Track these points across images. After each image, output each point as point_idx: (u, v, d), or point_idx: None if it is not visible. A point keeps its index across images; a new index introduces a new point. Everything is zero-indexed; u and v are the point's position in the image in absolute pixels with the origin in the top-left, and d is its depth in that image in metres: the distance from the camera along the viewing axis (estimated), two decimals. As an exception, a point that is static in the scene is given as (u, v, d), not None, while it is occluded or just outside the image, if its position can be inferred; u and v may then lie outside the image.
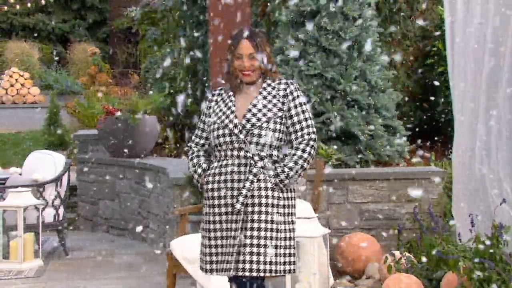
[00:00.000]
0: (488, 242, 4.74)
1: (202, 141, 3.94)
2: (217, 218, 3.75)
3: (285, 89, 3.82)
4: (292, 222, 3.77)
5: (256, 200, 3.68)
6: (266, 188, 3.69)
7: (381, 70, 7.07)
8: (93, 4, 22.35)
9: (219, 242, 3.74)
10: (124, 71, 18.82)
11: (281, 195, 3.73)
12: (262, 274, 3.62)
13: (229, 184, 3.73)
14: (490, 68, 5.15)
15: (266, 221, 3.66)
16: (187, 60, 9.17)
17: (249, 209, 3.67)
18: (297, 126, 3.76)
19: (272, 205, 3.69)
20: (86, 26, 22.38)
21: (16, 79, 16.36)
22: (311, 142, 3.74)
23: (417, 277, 5.08)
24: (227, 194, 3.73)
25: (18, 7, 21.35)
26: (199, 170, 3.87)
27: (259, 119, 3.73)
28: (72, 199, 8.78)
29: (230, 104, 3.83)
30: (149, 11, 13.84)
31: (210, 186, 3.79)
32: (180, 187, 6.61)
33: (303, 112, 3.79)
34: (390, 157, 6.85)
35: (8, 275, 6.42)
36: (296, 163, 3.70)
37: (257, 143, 3.72)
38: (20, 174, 7.54)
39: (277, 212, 3.70)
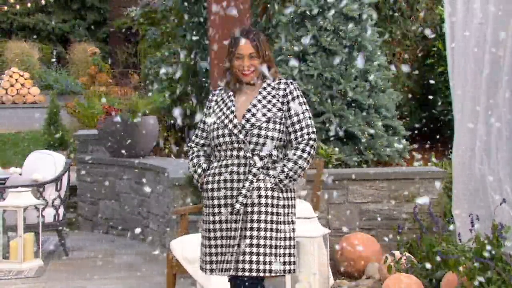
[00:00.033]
0: (488, 243, 4.74)
1: (202, 141, 3.94)
2: (216, 218, 3.75)
3: (285, 89, 3.82)
4: (292, 222, 3.77)
5: (256, 200, 3.67)
6: (265, 188, 3.69)
7: (381, 70, 7.08)
8: (93, 4, 22.36)
9: (218, 242, 3.74)
10: (124, 71, 18.82)
11: (280, 195, 3.73)
12: (262, 274, 3.62)
13: (228, 184, 3.73)
14: (490, 68, 5.15)
15: (265, 221, 3.66)
16: (187, 60, 9.17)
17: (249, 209, 3.67)
18: (297, 126, 3.76)
19: (272, 205, 3.69)
20: (86, 26, 22.38)
21: (16, 79, 16.36)
22: (311, 142, 3.74)
23: (417, 277, 5.08)
24: (226, 194, 3.73)
25: (18, 7, 21.37)
26: (199, 170, 3.87)
27: (258, 119, 3.73)
28: (72, 199, 8.78)
29: (230, 104, 3.83)
30: (149, 11, 13.85)
31: (210, 186, 3.79)
32: (180, 187, 6.61)
33: (302, 112, 3.78)
34: (390, 157, 6.86)
35: (8, 275, 6.42)
36: (295, 163, 3.70)
37: (256, 143, 3.72)
38: (20, 174, 7.54)
39: (277, 212, 3.70)
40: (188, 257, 4.87)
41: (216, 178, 3.77)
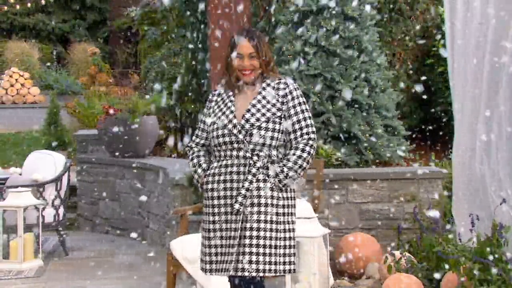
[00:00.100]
0: (487, 243, 4.74)
1: (202, 141, 3.94)
2: (216, 218, 3.75)
3: (285, 89, 3.82)
4: (292, 222, 3.76)
5: (256, 200, 3.67)
6: (265, 188, 3.69)
7: (381, 70, 7.08)
8: (93, 4, 22.35)
9: (218, 242, 3.74)
10: (124, 71, 18.83)
11: (280, 195, 3.73)
12: (261, 274, 3.62)
13: (228, 184, 3.74)
14: (490, 68, 5.15)
15: (265, 221, 3.65)
16: (187, 60, 9.17)
17: (249, 209, 3.67)
18: (296, 126, 3.76)
19: (272, 205, 3.69)
20: (86, 26, 22.39)
21: (16, 79, 16.36)
22: (311, 142, 3.74)
23: (417, 277, 5.08)
24: (226, 194, 3.73)
25: (18, 7, 21.37)
26: (199, 170, 3.87)
27: (258, 119, 3.73)
28: (72, 199, 8.78)
29: (229, 104, 3.83)
30: (149, 11, 13.84)
31: (209, 186, 3.79)
32: (180, 187, 6.61)
33: (302, 112, 3.78)
34: (390, 157, 6.86)
35: (8, 275, 6.42)
36: (295, 163, 3.70)
37: (256, 143, 3.72)
38: (20, 174, 7.54)
39: (277, 213, 3.70)
40: (188, 257, 4.87)
41: (216, 178, 3.78)
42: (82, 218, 8.94)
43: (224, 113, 3.81)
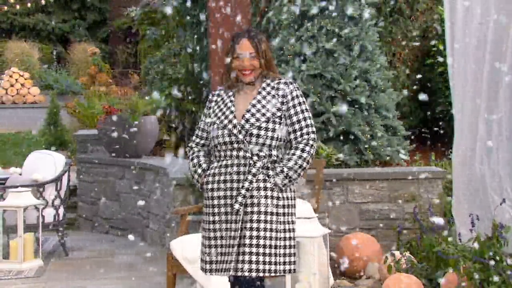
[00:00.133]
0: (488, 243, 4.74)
1: (202, 141, 3.94)
2: (216, 218, 3.75)
3: (285, 89, 3.82)
4: (292, 222, 3.76)
5: (256, 200, 3.67)
6: (265, 188, 3.69)
7: (381, 70, 7.08)
8: (93, 4, 22.36)
9: (218, 242, 3.74)
10: (124, 71, 18.83)
11: (280, 195, 3.73)
12: (261, 274, 3.62)
13: (228, 184, 3.73)
14: (490, 68, 5.15)
15: (265, 221, 3.65)
16: (187, 60, 9.17)
17: (249, 209, 3.67)
18: (297, 126, 3.76)
19: (272, 205, 3.69)
20: (86, 26, 22.40)
21: (16, 79, 16.37)
22: (311, 142, 3.74)
23: (417, 277, 5.08)
24: (226, 194, 3.73)
25: (18, 7, 21.38)
26: (199, 170, 3.87)
27: (258, 119, 3.73)
28: (72, 199, 8.78)
29: (229, 104, 3.83)
30: (149, 11, 13.84)
31: (209, 186, 3.79)
32: (180, 187, 6.61)
33: (302, 111, 3.78)
34: (390, 157, 6.86)
35: (8, 275, 6.42)
36: (295, 163, 3.70)
37: (256, 143, 3.72)
38: (20, 174, 7.54)
39: (277, 213, 3.70)
40: (188, 257, 4.87)
41: (216, 178, 3.77)
42: (82, 218, 8.93)
43: (224, 113, 3.81)
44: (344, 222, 6.19)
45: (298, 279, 4.35)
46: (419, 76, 8.94)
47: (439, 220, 5.01)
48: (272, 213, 3.67)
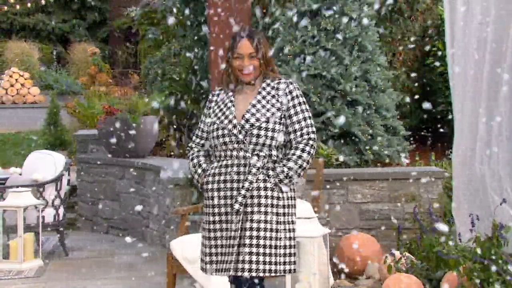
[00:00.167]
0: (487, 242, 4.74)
1: (202, 142, 3.94)
2: (216, 218, 3.75)
3: (285, 89, 3.82)
4: (292, 222, 3.76)
5: (256, 200, 3.67)
6: (265, 188, 3.69)
7: (381, 70, 7.08)
8: (93, 4, 22.36)
9: (219, 242, 3.74)
10: (124, 71, 18.83)
11: (280, 195, 3.73)
12: (261, 274, 3.62)
13: (228, 184, 3.73)
14: (490, 68, 5.15)
15: (265, 221, 3.65)
16: (187, 60, 9.17)
17: (249, 209, 3.67)
18: (297, 126, 3.76)
19: (272, 205, 3.69)
20: (86, 26, 22.40)
21: (16, 79, 16.37)
22: (311, 142, 3.74)
23: (417, 277, 5.08)
24: (226, 194, 3.73)
25: (18, 7, 21.38)
26: (199, 170, 3.87)
27: (258, 119, 3.73)
28: (72, 199, 8.78)
29: (229, 104, 3.83)
30: (149, 11, 13.84)
31: (209, 186, 3.79)
32: (180, 187, 6.61)
33: (302, 111, 3.78)
34: (390, 157, 6.86)
35: (8, 275, 6.42)
36: (295, 162, 3.70)
37: (256, 143, 3.72)
38: (20, 174, 7.54)
39: (277, 213, 3.70)
40: (188, 257, 4.87)
41: (216, 178, 3.77)
42: (82, 218, 8.93)
43: (224, 113, 3.81)
44: (344, 222, 6.19)
45: (298, 279, 4.35)
46: (419, 76, 8.94)
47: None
48: (272, 213, 3.68)
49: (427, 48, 9.08)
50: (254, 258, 3.60)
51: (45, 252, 7.21)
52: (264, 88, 3.83)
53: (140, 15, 14.28)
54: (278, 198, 3.71)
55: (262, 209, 3.66)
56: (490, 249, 4.73)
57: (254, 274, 3.60)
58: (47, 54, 20.17)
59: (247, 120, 3.73)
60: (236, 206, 3.66)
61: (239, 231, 3.65)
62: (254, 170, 3.69)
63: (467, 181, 5.30)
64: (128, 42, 19.98)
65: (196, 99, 8.81)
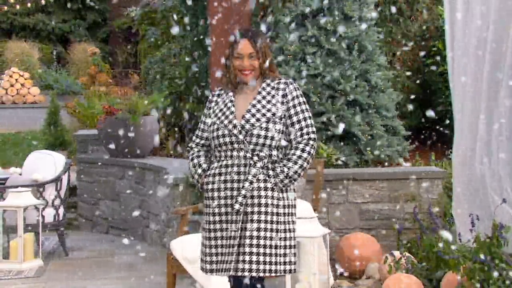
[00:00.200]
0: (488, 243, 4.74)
1: (202, 142, 3.94)
2: (217, 218, 3.75)
3: (285, 89, 3.82)
4: (292, 222, 3.76)
5: (256, 201, 3.67)
6: (266, 188, 3.69)
7: (381, 70, 7.08)
8: (93, 4, 22.36)
9: (219, 242, 3.74)
10: (124, 71, 18.83)
11: (281, 195, 3.73)
12: (262, 274, 3.62)
13: (228, 185, 3.73)
14: (490, 68, 5.15)
15: (266, 222, 3.65)
16: (187, 60, 9.17)
17: (249, 209, 3.67)
18: (297, 126, 3.76)
19: (272, 205, 3.69)
20: (86, 26, 22.39)
21: (16, 79, 16.37)
22: (311, 142, 3.74)
23: (417, 277, 5.08)
24: (226, 194, 3.73)
25: (18, 7, 21.38)
26: (199, 170, 3.87)
27: (258, 120, 3.73)
28: (72, 199, 8.78)
29: (229, 104, 3.83)
30: (149, 11, 13.85)
31: (210, 186, 3.79)
32: (180, 187, 6.61)
33: (302, 111, 3.78)
34: (390, 157, 6.86)
35: (8, 275, 6.42)
36: (295, 163, 3.70)
37: (256, 143, 3.72)
38: (20, 174, 7.54)
39: (277, 213, 3.70)
40: (188, 257, 4.87)
41: (217, 178, 3.77)
42: (82, 218, 8.93)
43: (224, 113, 3.81)
44: (344, 222, 6.19)
45: (298, 279, 4.35)
46: (419, 76, 8.94)
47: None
48: (272, 213, 3.68)
49: (427, 48, 9.08)
50: (254, 258, 3.60)
51: (45, 252, 7.21)
52: (264, 88, 3.83)
53: (140, 15, 14.29)
54: (278, 198, 3.71)
55: (263, 209, 3.67)
56: (490, 249, 4.73)
57: (254, 274, 3.60)
58: (47, 54, 20.17)
59: (247, 120, 3.73)
60: (237, 206, 3.67)
61: (239, 231, 3.65)
62: (254, 170, 3.69)
63: (467, 181, 5.30)
64: (128, 42, 19.98)
65: (196, 99, 8.81)
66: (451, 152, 5.70)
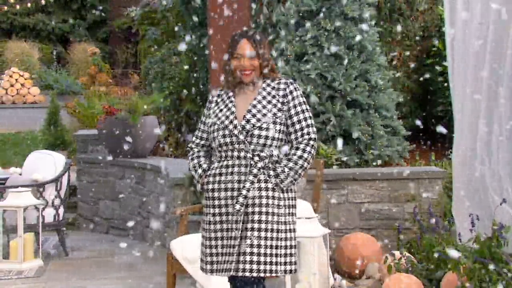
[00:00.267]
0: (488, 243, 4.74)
1: (202, 142, 3.94)
2: (217, 218, 3.75)
3: (285, 89, 3.82)
4: (293, 222, 3.76)
5: (257, 201, 3.67)
6: (266, 189, 3.69)
7: (381, 70, 7.08)
8: (93, 4, 22.36)
9: (219, 242, 3.74)
10: (124, 71, 18.83)
11: (281, 195, 3.73)
12: (262, 274, 3.62)
13: (229, 185, 3.73)
14: (490, 68, 5.15)
15: (266, 222, 3.65)
16: (187, 61, 9.17)
17: (250, 209, 3.67)
18: (297, 126, 3.76)
19: (273, 206, 3.69)
20: (86, 26, 22.40)
21: (16, 79, 16.38)
22: (311, 142, 3.74)
23: (417, 277, 5.08)
24: (227, 194, 3.73)
25: (18, 7, 21.39)
26: (199, 171, 3.87)
27: (258, 120, 3.73)
28: (72, 199, 8.78)
29: (230, 105, 3.83)
30: (149, 11, 13.85)
31: (210, 186, 3.79)
32: (180, 187, 6.61)
33: (302, 111, 3.78)
34: (390, 157, 6.86)
35: (8, 275, 6.42)
36: (296, 163, 3.70)
37: (257, 144, 3.72)
38: (20, 174, 7.54)
39: (278, 213, 3.70)
40: (188, 257, 4.87)
41: (217, 178, 3.77)
42: (82, 218, 8.94)
43: (224, 114, 3.81)
44: (344, 222, 6.19)
45: (298, 279, 4.35)
46: (419, 76, 8.94)
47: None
48: (273, 214, 3.68)
49: (427, 48, 9.08)
50: (255, 258, 3.60)
51: (45, 252, 7.21)
52: (264, 89, 3.83)
53: (140, 15, 14.29)
54: (279, 198, 3.71)
55: (263, 209, 3.66)
56: (490, 249, 4.73)
57: (255, 274, 3.60)
58: (47, 54, 20.18)
59: (248, 121, 3.73)
60: (237, 207, 3.66)
61: (240, 232, 3.65)
62: (255, 171, 3.69)
63: (467, 181, 5.30)
64: (128, 42, 19.98)
65: (196, 99, 8.81)
66: (451, 152, 5.70)
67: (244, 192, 3.67)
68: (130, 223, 7.94)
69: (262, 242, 3.62)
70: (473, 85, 5.24)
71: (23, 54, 18.01)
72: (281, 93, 3.81)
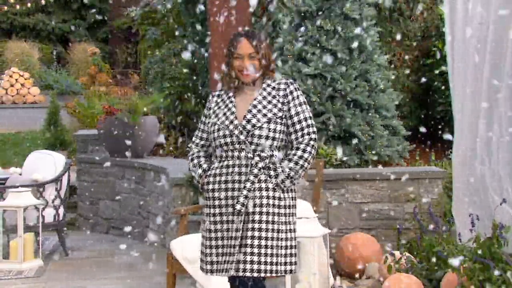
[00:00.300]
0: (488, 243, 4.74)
1: (202, 142, 3.94)
2: (217, 218, 3.75)
3: (285, 89, 3.82)
4: (293, 222, 3.76)
5: (257, 201, 3.67)
6: (267, 189, 3.69)
7: (381, 70, 7.08)
8: (93, 4, 22.36)
9: (219, 242, 3.74)
10: (124, 71, 18.83)
11: (282, 195, 3.73)
12: (262, 275, 3.62)
13: (229, 185, 3.73)
14: (490, 68, 5.15)
15: (267, 222, 3.65)
16: (187, 59, 9.17)
17: (250, 209, 3.67)
18: (297, 126, 3.76)
19: (273, 206, 3.69)
20: (86, 26, 22.39)
21: (16, 79, 16.37)
22: (312, 142, 3.74)
23: (417, 277, 5.08)
24: (228, 194, 3.73)
25: (18, 7, 21.39)
26: (200, 171, 3.87)
27: (259, 120, 3.73)
28: (72, 199, 8.78)
29: (230, 105, 3.83)
30: (149, 11, 13.85)
31: (210, 186, 3.79)
32: (180, 187, 6.61)
33: (303, 111, 3.78)
34: (390, 157, 6.86)
35: (8, 275, 6.42)
36: (296, 163, 3.70)
37: (257, 144, 3.71)
38: (20, 174, 7.54)
39: (278, 213, 3.70)
40: (188, 257, 4.87)
41: (217, 178, 3.77)
42: (82, 218, 8.94)
43: (224, 114, 3.81)
44: (344, 222, 6.19)
45: (298, 279, 4.35)
46: (419, 76, 8.94)
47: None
48: (273, 214, 3.67)
49: (427, 48, 9.08)
50: (255, 258, 3.60)
51: (45, 252, 7.21)
52: (264, 89, 3.83)
53: (140, 15, 14.29)
54: (279, 198, 3.71)
55: (264, 209, 3.66)
56: (490, 249, 4.73)
57: (255, 274, 3.60)
58: (47, 54, 20.17)
59: (248, 121, 3.73)
60: (238, 207, 3.66)
61: (240, 232, 3.65)
62: (255, 171, 3.69)
63: (467, 181, 5.30)
64: (128, 42, 19.98)
65: (196, 100, 8.81)
66: (451, 152, 5.70)
67: (244, 192, 3.67)
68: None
69: (263, 242, 3.62)
70: (473, 85, 5.24)
71: (23, 54, 18.00)
72: (281, 93, 3.81)
